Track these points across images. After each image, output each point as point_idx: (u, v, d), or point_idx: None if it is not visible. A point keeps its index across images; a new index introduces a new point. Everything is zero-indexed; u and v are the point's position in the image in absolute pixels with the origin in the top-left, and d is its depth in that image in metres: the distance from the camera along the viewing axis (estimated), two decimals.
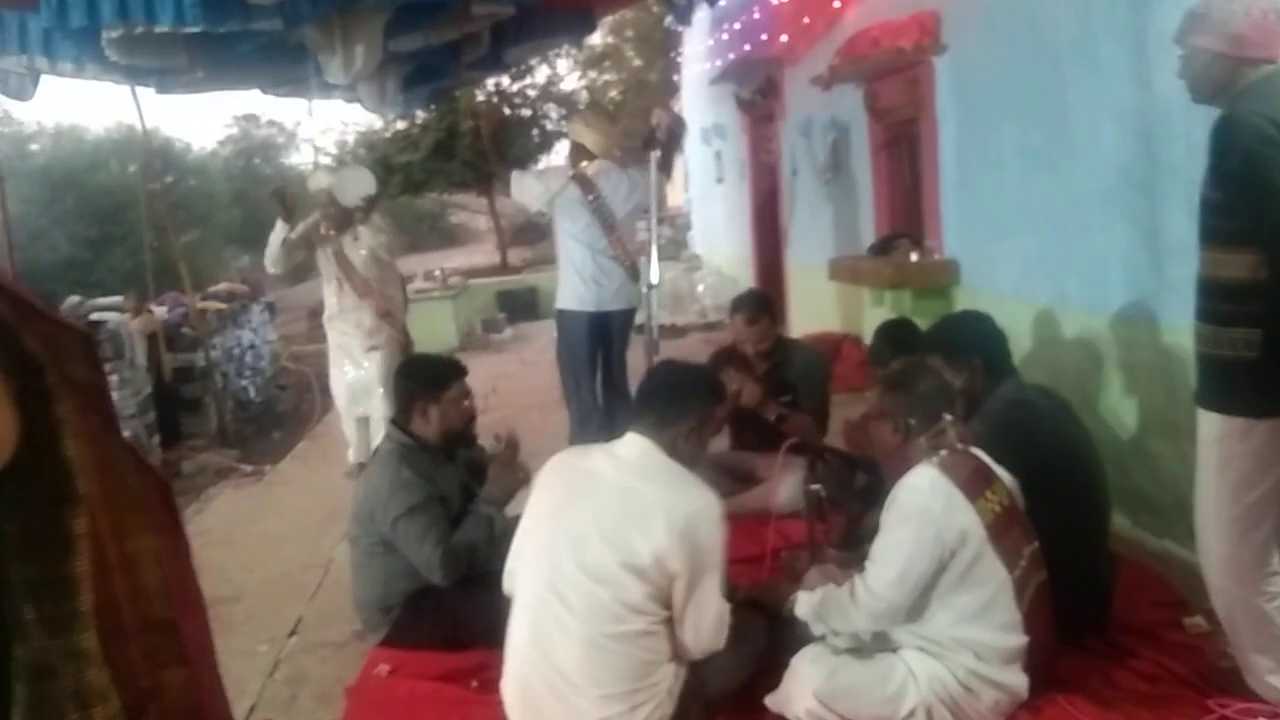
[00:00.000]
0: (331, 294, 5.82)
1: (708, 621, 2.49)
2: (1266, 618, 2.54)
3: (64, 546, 1.07)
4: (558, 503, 2.56)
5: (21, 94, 5.43)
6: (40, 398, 1.06)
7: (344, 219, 5.70)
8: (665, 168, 5.45)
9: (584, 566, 2.39)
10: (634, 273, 5.33)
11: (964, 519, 2.46)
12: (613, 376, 5.56)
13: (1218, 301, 2.45)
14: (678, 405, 2.63)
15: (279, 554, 4.69)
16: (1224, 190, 2.37)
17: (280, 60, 5.41)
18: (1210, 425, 2.51)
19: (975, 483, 2.54)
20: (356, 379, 5.73)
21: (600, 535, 2.40)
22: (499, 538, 3.18)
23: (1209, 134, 2.43)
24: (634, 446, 2.56)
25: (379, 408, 5.56)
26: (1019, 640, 2.52)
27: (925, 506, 2.47)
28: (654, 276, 5.28)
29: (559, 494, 2.58)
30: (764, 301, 4.62)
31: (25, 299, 1.10)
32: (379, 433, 5.07)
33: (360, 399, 5.75)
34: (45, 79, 5.39)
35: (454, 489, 3.31)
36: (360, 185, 5.72)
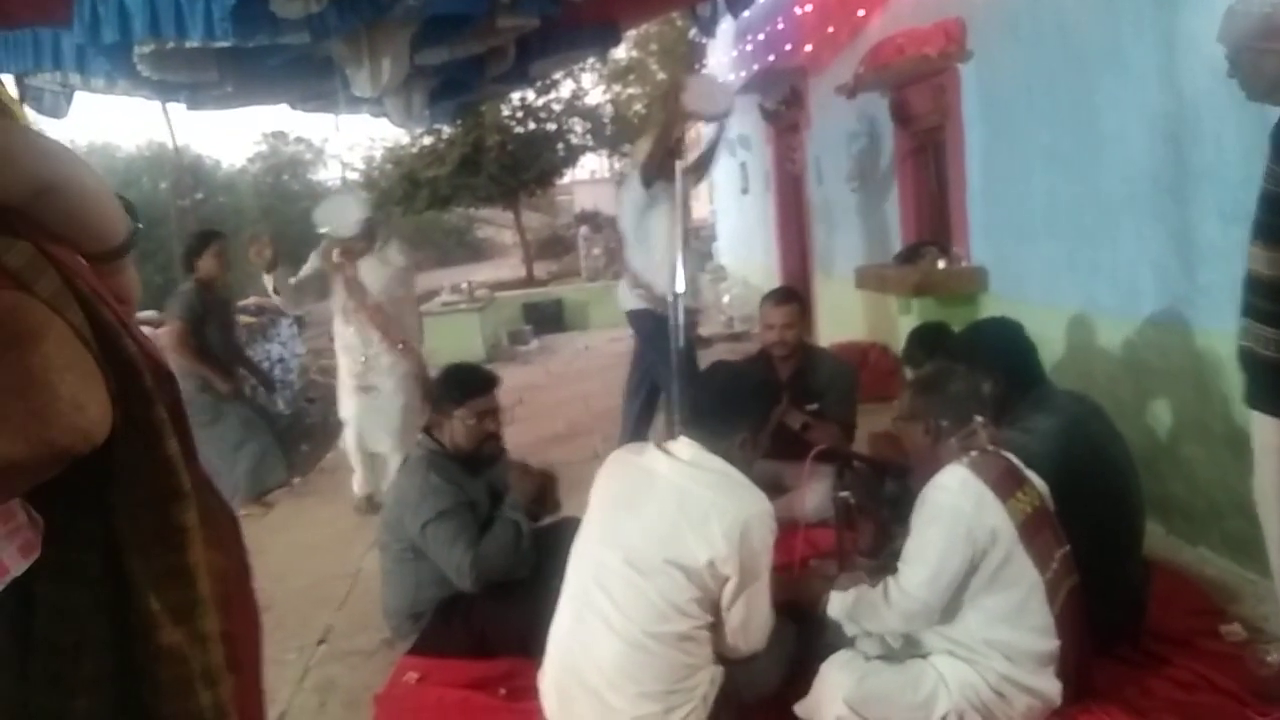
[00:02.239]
0: (341, 323, 5.55)
1: (756, 623, 2.52)
2: None
3: (179, 538, 1.13)
4: (613, 498, 2.59)
5: (56, 111, 5.53)
6: (141, 399, 1.10)
7: (356, 247, 5.46)
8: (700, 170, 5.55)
9: (632, 562, 2.41)
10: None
11: (995, 518, 2.43)
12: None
13: None
14: (732, 415, 2.62)
15: (308, 563, 4.71)
16: None
17: (308, 74, 5.48)
18: (1277, 432, 2.47)
19: (1006, 483, 2.51)
20: (368, 412, 5.45)
21: (653, 532, 2.42)
22: (526, 542, 3.18)
23: (1275, 132, 2.39)
24: (688, 449, 2.57)
25: (391, 443, 5.33)
26: (1051, 644, 2.49)
27: (956, 505, 2.45)
28: (679, 285, 5.28)
29: (615, 489, 2.62)
30: (792, 290, 4.77)
31: (123, 316, 1.15)
32: (392, 467, 4.96)
33: (372, 434, 5.44)
34: (78, 98, 5.49)
35: (483, 496, 3.31)
36: (343, 213, 5.46)
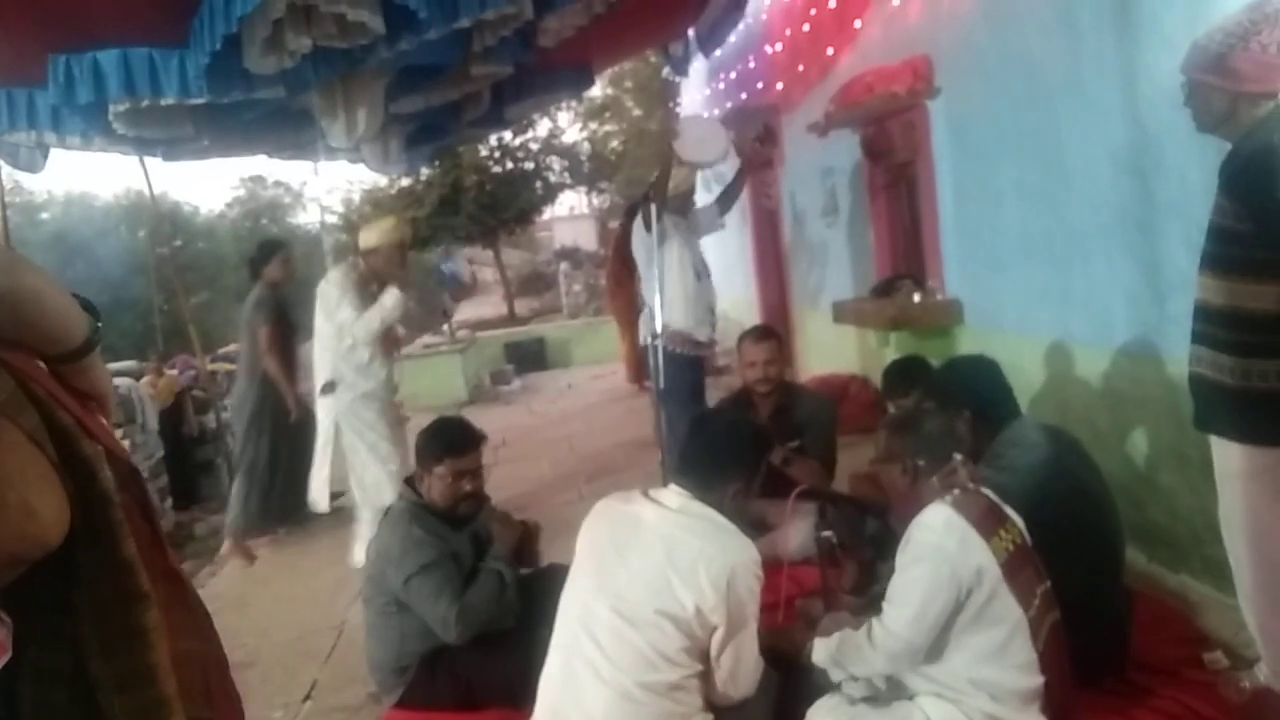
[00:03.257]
0: (376, 359, 5.19)
1: (745, 670, 2.52)
2: None
3: (140, 640, 1.12)
4: (601, 547, 2.59)
5: (32, 167, 5.54)
6: (99, 501, 1.11)
7: (393, 273, 5.27)
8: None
9: (621, 611, 2.41)
10: None
11: (979, 556, 2.45)
12: None
13: (1243, 332, 2.46)
14: (725, 466, 2.63)
15: (292, 617, 4.68)
16: (1254, 221, 2.38)
17: (285, 126, 5.52)
18: (1242, 458, 2.52)
19: (988, 521, 2.53)
20: (392, 458, 5.12)
21: (641, 582, 2.42)
22: (511, 593, 3.17)
23: (1233, 166, 2.44)
24: (677, 497, 2.59)
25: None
26: (1036, 681, 2.50)
27: (940, 544, 2.47)
28: (658, 324, 5.31)
29: (602, 538, 2.61)
30: (770, 327, 4.88)
31: (82, 416, 1.16)
32: None
33: (389, 484, 4.98)
34: (54, 149, 5.51)
35: (466, 547, 3.30)
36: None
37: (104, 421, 1.25)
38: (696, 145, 5.27)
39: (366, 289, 5.21)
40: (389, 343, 5.33)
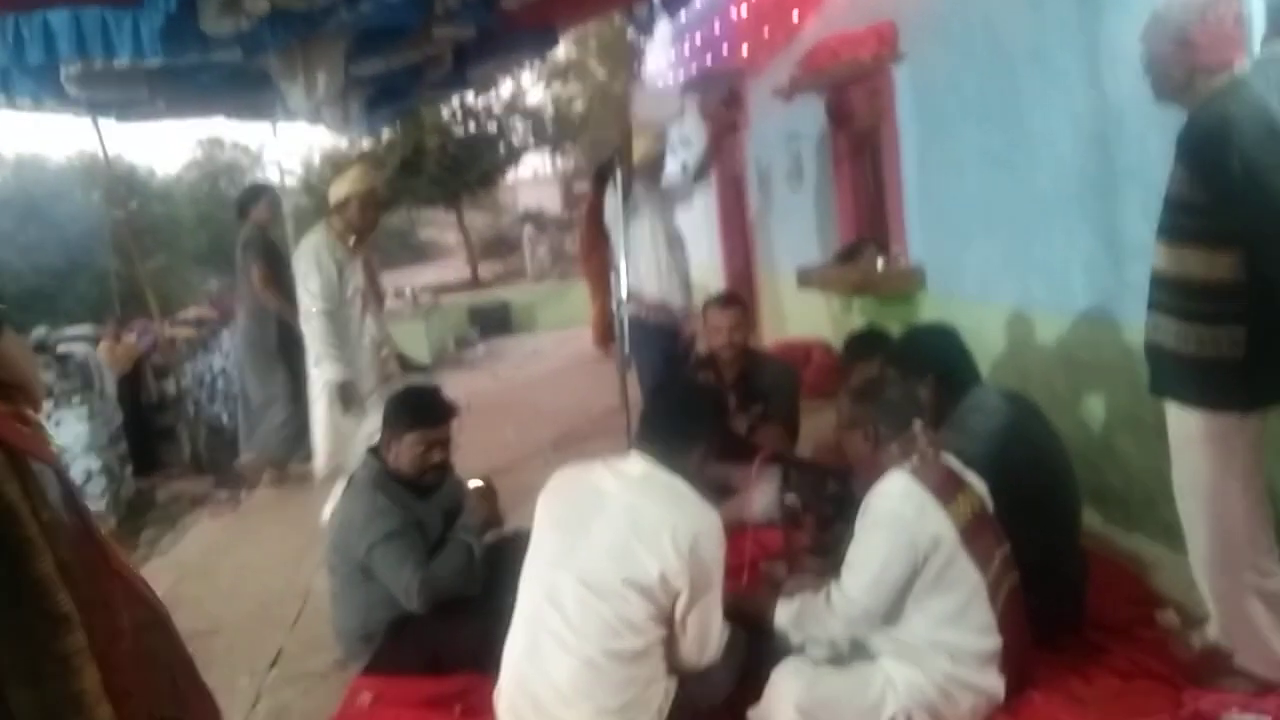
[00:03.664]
0: (356, 315, 5.14)
1: (710, 636, 2.55)
2: (1277, 595, 2.61)
3: (63, 666, 1.05)
4: (562, 518, 2.59)
5: None
6: (5, 517, 1.03)
7: (367, 226, 5.21)
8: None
9: (587, 582, 2.42)
10: None
11: (936, 524, 2.49)
12: None
13: (1198, 301, 2.50)
14: (687, 435, 2.66)
15: (257, 584, 4.67)
16: (1210, 191, 2.41)
17: (242, 88, 5.41)
18: (1197, 423, 2.57)
19: (947, 488, 2.58)
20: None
21: (606, 551, 2.43)
22: (478, 563, 3.18)
23: (1189, 136, 2.47)
24: (639, 465, 2.59)
25: None
26: (994, 642, 2.56)
27: (898, 512, 2.51)
28: (623, 290, 5.31)
29: (564, 510, 2.61)
30: (735, 294, 4.94)
31: None
32: None
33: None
34: (3, 110, 5.37)
35: (433, 516, 3.30)
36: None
37: (25, 418, 1.15)
38: (652, 104, 5.26)
39: (344, 247, 5.11)
40: (374, 302, 5.28)
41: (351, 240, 5.14)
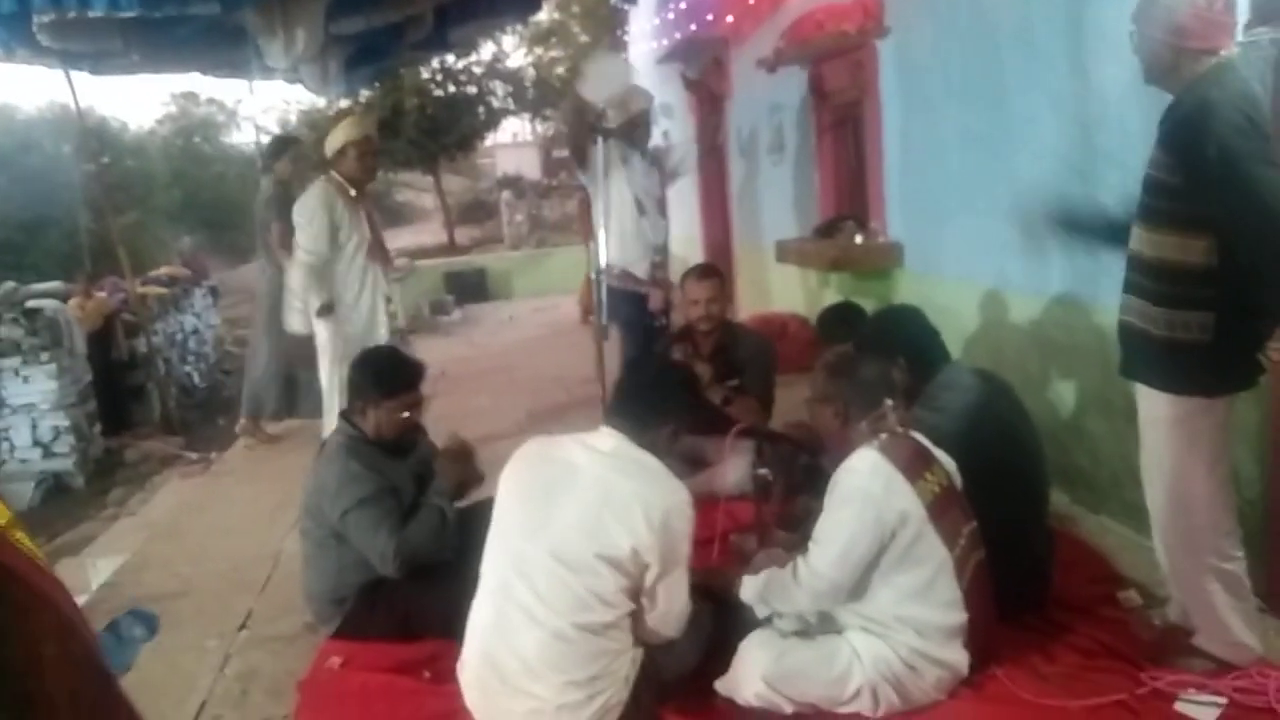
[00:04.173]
0: (361, 261, 5.07)
1: (675, 610, 2.56)
2: (1237, 578, 2.65)
3: None
4: (531, 492, 2.57)
5: None
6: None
7: (370, 173, 5.19)
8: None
9: (559, 556, 2.42)
10: None
11: (904, 500, 2.52)
12: None
13: (1168, 284, 2.52)
14: (658, 410, 2.66)
15: (227, 546, 4.64)
16: (1186, 176, 2.42)
17: (219, 43, 5.34)
18: (1165, 406, 2.60)
19: (915, 465, 2.60)
20: None
21: (578, 526, 2.43)
22: (451, 528, 3.18)
23: (1170, 120, 2.48)
24: (610, 439, 2.59)
25: None
26: (960, 617, 2.59)
27: (866, 488, 2.53)
28: (602, 260, 5.29)
29: (533, 483, 2.60)
30: (713, 265, 4.89)
31: None
32: None
33: None
34: None
35: (406, 480, 3.29)
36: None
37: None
38: (595, 82, 5.21)
39: (345, 198, 5.02)
40: (379, 253, 5.20)
41: (352, 192, 5.05)
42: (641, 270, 5.36)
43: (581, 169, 5.37)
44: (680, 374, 2.97)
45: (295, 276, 5.10)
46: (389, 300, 5.18)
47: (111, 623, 1.60)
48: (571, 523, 2.44)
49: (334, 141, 5.06)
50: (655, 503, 2.43)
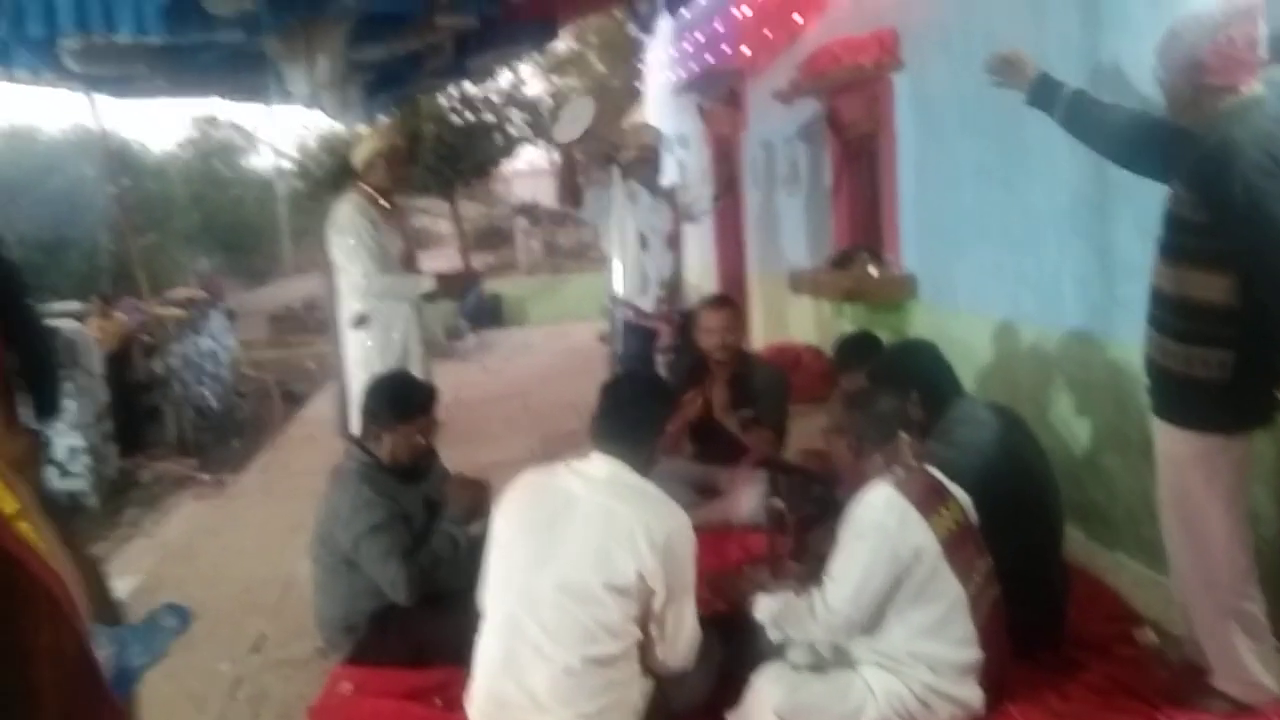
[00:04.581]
0: (382, 282, 5.00)
1: (685, 637, 2.55)
2: (1255, 618, 2.63)
3: None
4: (532, 524, 2.55)
5: None
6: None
7: (401, 182, 5.18)
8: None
9: (565, 588, 2.41)
10: None
11: (919, 535, 2.51)
12: None
13: (1189, 321, 2.53)
14: (646, 423, 2.67)
15: (240, 568, 4.65)
16: (1211, 213, 2.42)
17: (242, 69, 5.40)
18: (1183, 442, 2.59)
19: (930, 500, 2.59)
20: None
21: (583, 557, 2.42)
22: (463, 555, 3.18)
23: (1193, 157, 2.49)
24: (603, 466, 2.58)
25: None
26: (974, 655, 2.58)
27: (881, 523, 2.52)
28: (617, 289, 5.32)
29: (533, 515, 2.58)
30: (728, 296, 4.80)
31: None
32: None
33: None
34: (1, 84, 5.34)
35: (418, 506, 3.30)
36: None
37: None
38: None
39: (377, 210, 5.01)
40: (412, 264, 5.18)
41: (383, 204, 5.04)
42: (646, 303, 5.38)
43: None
44: (656, 385, 2.99)
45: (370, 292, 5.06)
46: (419, 312, 5.17)
47: (148, 613, 1.68)
48: (576, 554, 2.43)
49: (362, 153, 5.08)
50: (657, 526, 2.43)
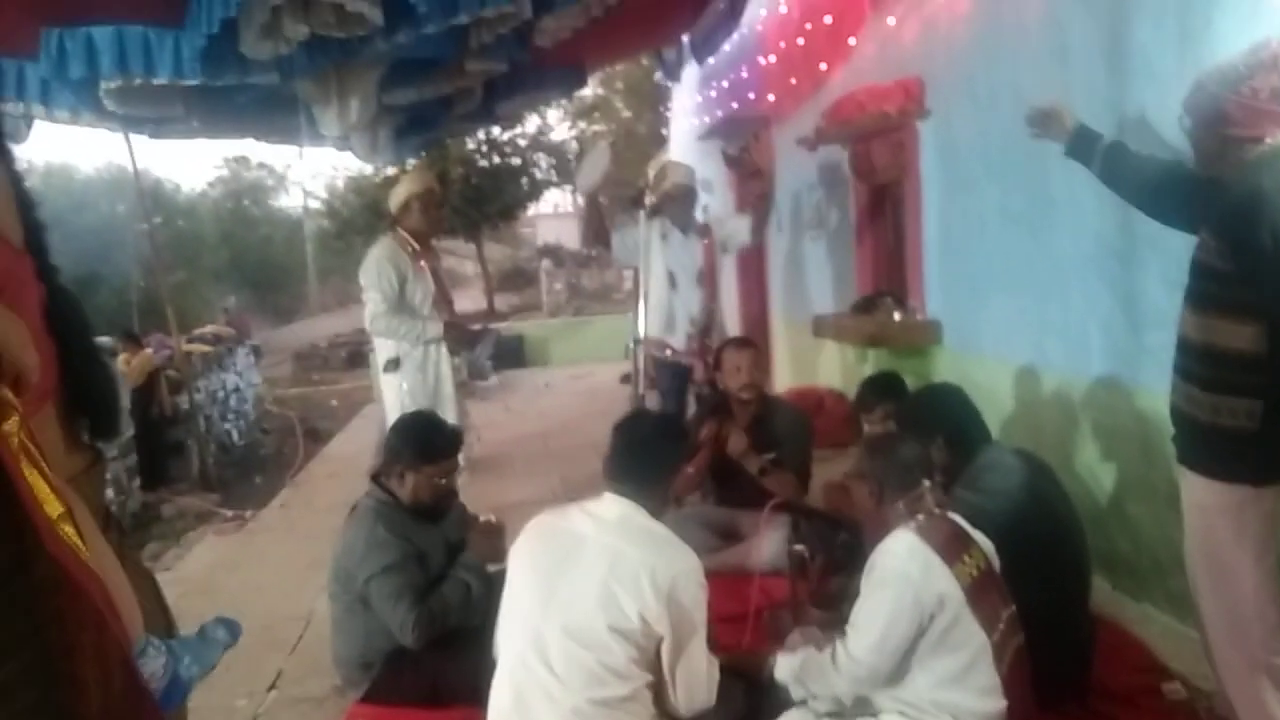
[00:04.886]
0: (434, 316, 5.13)
1: (698, 681, 2.51)
2: None
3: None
4: (541, 566, 2.55)
5: (15, 137, 5.49)
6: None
7: (435, 226, 5.30)
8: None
9: (570, 631, 2.39)
10: None
11: (942, 583, 2.48)
12: None
13: (1216, 369, 2.50)
14: (659, 463, 2.66)
15: (260, 604, 4.65)
16: (1239, 262, 2.41)
17: (275, 111, 5.50)
18: (1211, 493, 2.56)
19: (953, 547, 2.56)
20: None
21: (587, 599, 2.40)
22: (478, 599, 3.17)
23: (1221, 206, 2.48)
24: (615, 507, 2.56)
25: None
26: (998, 704, 2.53)
27: (904, 571, 2.49)
28: (641, 330, 5.33)
29: (542, 557, 2.57)
30: (748, 339, 4.97)
31: None
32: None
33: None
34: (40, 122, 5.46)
35: (437, 547, 3.29)
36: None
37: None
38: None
39: (407, 253, 5.07)
40: (445, 308, 5.22)
41: (416, 246, 5.11)
42: (677, 341, 5.44)
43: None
44: (670, 424, 2.98)
45: (373, 330, 5.17)
46: (453, 354, 5.21)
47: (200, 627, 1.78)
48: (580, 596, 2.41)
49: (398, 197, 5.17)
50: (662, 570, 2.40)
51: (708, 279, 5.61)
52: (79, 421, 1.42)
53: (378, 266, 5.02)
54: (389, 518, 3.21)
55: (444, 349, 5.12)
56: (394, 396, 5.11)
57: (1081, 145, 3.12)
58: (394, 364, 5.06)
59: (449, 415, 4.88)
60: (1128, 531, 3.86)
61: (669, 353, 5.45)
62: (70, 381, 1.33)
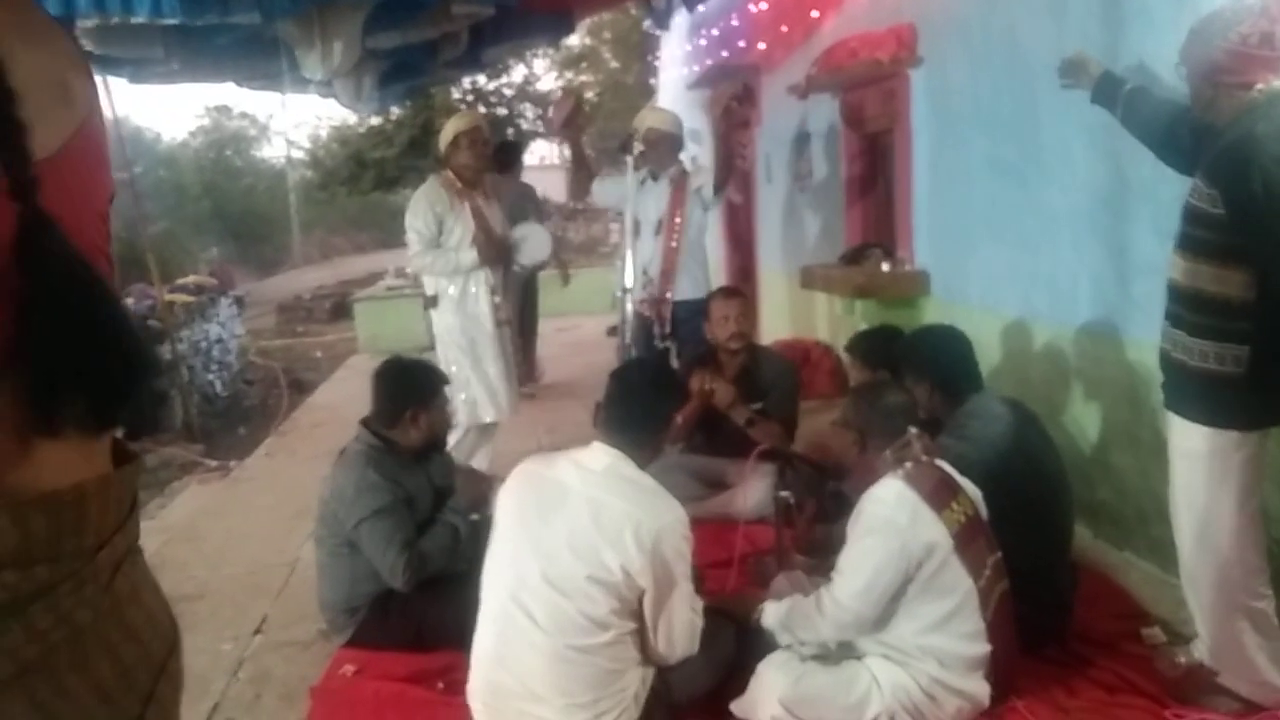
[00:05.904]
0: (473, 259, 4.94)
1: (680, 631, 2.51)
2: (1266, 616, 2.62)
3: None
4: (525, 513, 2.53)
5: None
6: None
7: (482, 163, 5.17)
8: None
9: (550, 579, 2.39)
10: None
11: (929, 530, 2.49)
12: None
13: (1204, 315, 2.51)
14: (653, 413, 2.65)
15: (244, 551, 4.66)
16: (1230, 209, 2.41)
17: (257, 54, 5.38)
18: (1198, 438, 2.57)
19: (940, 494, 2.57)
20: (501, 372, 4.99)
21: (569, 548, 2.39)
22: (465, 544, 3.18)
23: (1214, 152, 2.48)
24: (603, 457, 2.54)
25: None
26: (982, 649, 2.56)
27: (891, 518, 2.50)
28: (628, 280, 5.29)
29: (527, 504, 2.55)
30: (736, 288, 4.78)
31: None
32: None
33: (499, 397, 5.00)
34: None
35: (424, 492, 3.29)
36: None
37: None
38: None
39: (450, 193, 5.00)
40: (493, 251, 5.08)
41: (459, 186, 5.03)
42: (640, 292, 5.35)
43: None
44: (666, 374, 2.97)
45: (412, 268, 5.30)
46: (494, 293, 5.15)
47: None
48: (562, 545, 2.40)
49: (446, 135, 5.12)
50: (646, 523, 2.38)
51: (667, 229, 5.43)
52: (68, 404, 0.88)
53: (415, 207, 5.02)
54: (379, 461, 3.21)
55: (483, 287, 5.06)
56: (440, 333, 5.08)
57: (1106, 90, 3.10)
58: (432, 301, 5.06)
59: (487, 353, 4.91)
60: (1111, 481, 3.89)
61: (637, 304, 5.38)
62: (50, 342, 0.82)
